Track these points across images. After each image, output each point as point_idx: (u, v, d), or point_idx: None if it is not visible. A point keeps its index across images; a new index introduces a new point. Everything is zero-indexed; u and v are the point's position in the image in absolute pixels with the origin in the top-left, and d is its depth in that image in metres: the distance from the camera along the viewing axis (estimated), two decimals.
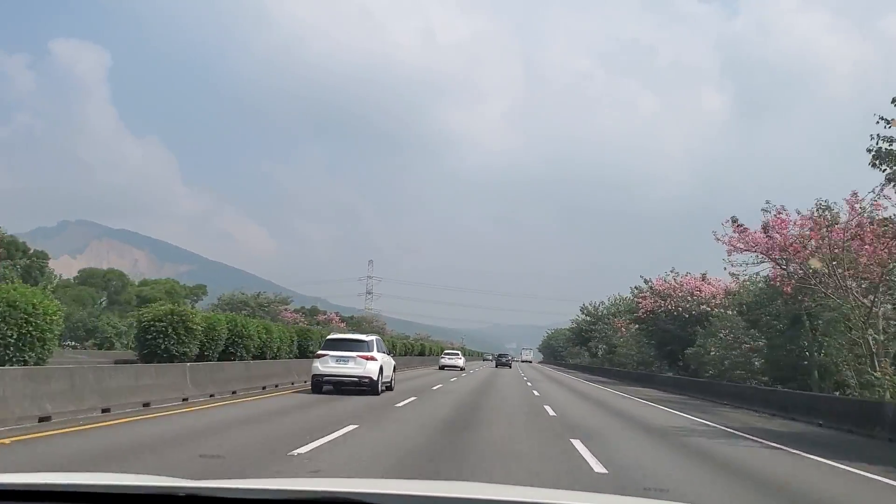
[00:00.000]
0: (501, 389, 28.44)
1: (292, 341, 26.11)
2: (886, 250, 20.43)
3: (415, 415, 15.16)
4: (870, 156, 19.20)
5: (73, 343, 49.93)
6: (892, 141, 19.90)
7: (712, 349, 34.54)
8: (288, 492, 1.83)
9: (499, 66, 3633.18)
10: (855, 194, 21.65)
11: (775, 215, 24.31)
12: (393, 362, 22.79)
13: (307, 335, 28.08)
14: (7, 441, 8.74)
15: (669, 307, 41.99)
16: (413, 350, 57.74)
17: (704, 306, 39.67)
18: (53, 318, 11.95)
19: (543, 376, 49.46)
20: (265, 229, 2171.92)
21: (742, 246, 25.48)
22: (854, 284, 21.99)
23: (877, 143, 19.04)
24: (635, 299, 47.23)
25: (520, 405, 19.90)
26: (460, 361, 53.20)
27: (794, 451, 12.50)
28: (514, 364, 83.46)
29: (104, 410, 11.90)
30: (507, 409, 18.06)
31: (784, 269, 25.10)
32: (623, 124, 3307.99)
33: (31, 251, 55.71)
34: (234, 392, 17.55)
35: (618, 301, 65.50)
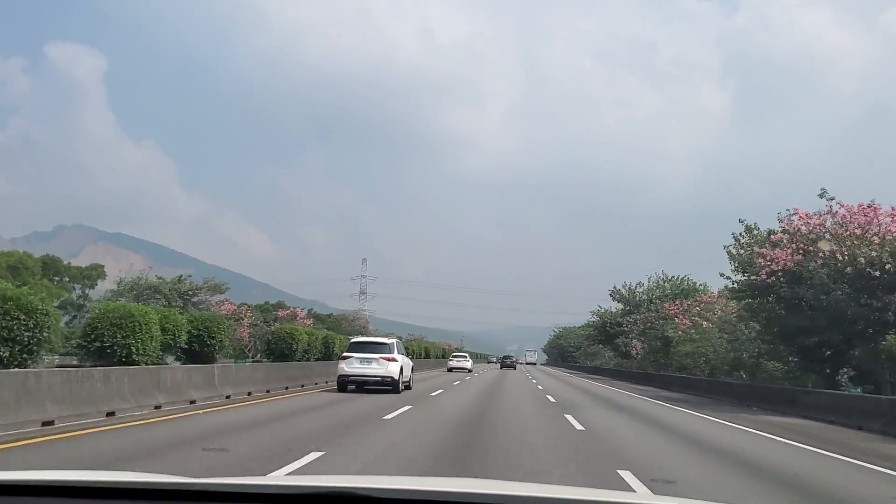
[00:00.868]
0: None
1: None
2: None
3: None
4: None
5: None
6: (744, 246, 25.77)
7: None
8: (291, 487, 1.85)
9: (499, 66, 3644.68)
10: None
11: None
12: (411, 363, 24.50)
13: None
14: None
15: (838, 260, 21.53)
16: (412, 353, 56.70)
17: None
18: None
19: (561, 384, 37.94)
20: (265, 234, 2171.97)
21: None
22: None
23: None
24: (755, 252, 24.53)
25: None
26: (468, 364, 54.10)
27: None
28: (518, 366, 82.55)
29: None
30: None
31: None
32: (625, 124, 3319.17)
33: None
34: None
35: (666, 281, 54.49)
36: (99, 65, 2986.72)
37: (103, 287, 58.45)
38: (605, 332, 64.51)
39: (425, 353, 63.79)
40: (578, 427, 13.57)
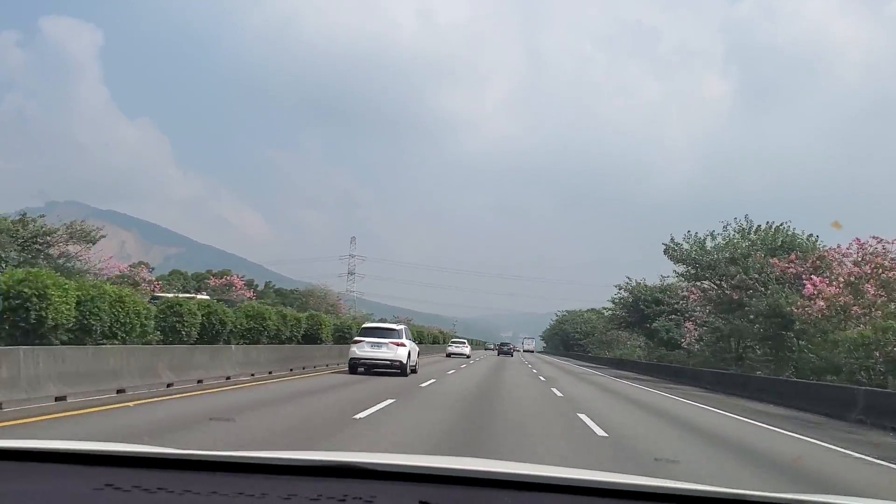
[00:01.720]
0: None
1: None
2: None
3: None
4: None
5: None
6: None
7: None
8: (293, 460, 1.84)
9: (499, 49, 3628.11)
10: None
11: None
12: (417, 348, 25.53)
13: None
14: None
15: None
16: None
17: None
18: None
19: (604, 395, 21.12)
20: (260, 214, 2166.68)
21: None
22: None
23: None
24: None
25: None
26: (466, 350, 54.98)
27: None
28: (516, 355, 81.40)
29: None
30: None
31: None
32: (625, 110, 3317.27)
33: None
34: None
35: (753, 231, 35.67)
36: (94, 40, 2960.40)
37: None
38: (638, 311, 50.02)
39: (419, 337, 63.21)
40: None
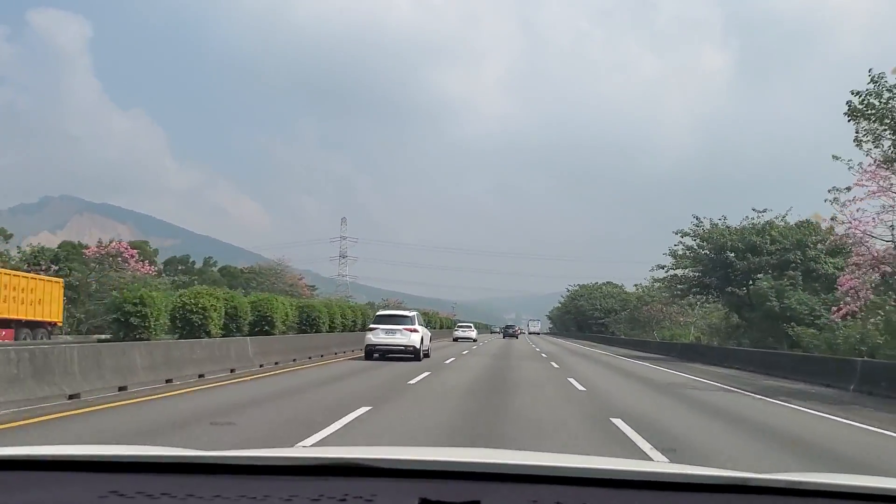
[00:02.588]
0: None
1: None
2: None
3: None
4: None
5: None
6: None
7: None
8: (294, 459, 1.86)
9: (494, 26, 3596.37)
10: None
11: None
12: (430, 333, 26.84)
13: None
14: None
15: None
16: None
17: None
18: None
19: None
20: (258, 203, 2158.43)
21: None
22: None
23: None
24: None
25: None
26: (473, 333, 55.91)
27: None
28: (521, 337, 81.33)
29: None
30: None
31: None
32: (624, 86, 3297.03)
33: None
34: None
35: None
36: (83, 31, 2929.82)
37: None
38: (723, 267, 34.92)
39: (429, 322, 62.77)
40: None
